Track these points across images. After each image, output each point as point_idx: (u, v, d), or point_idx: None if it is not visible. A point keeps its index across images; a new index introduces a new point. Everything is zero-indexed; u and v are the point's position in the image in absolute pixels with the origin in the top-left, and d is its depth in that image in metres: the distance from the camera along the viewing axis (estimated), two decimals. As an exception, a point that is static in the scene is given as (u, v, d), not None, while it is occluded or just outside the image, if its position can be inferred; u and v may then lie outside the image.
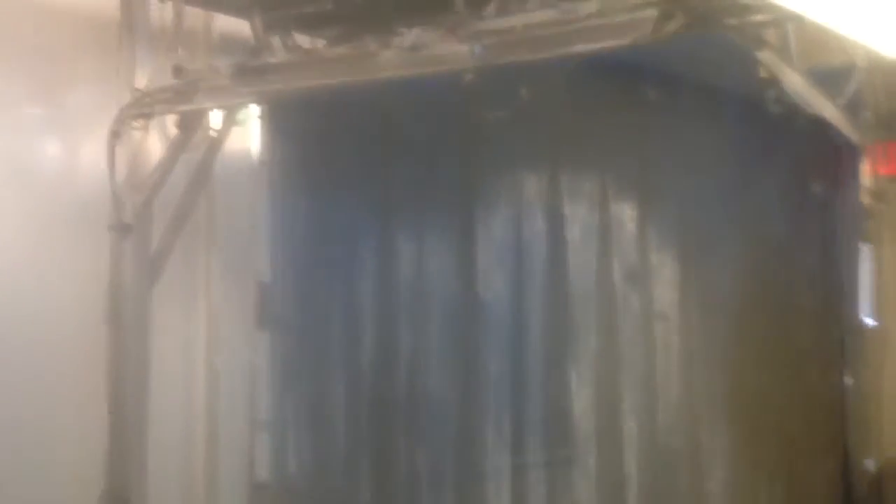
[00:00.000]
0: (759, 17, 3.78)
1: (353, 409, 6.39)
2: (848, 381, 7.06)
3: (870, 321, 6.61)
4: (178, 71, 5.25)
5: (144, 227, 5.55)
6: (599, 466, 6.32)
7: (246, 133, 6.26)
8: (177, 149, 5.54)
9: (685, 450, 6.61)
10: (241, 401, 6.35)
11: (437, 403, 6.27)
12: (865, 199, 3.86)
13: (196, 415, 6.24)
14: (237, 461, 6.28)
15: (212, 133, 5.82)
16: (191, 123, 5.52)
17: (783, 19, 3.80)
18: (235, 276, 6.31)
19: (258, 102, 5.76)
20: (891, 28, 3.44)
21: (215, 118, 5.80)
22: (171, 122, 5.58)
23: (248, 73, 5.07)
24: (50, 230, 5.42)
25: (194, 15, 5.77)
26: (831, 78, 4.06)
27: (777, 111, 4.16)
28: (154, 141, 5.58)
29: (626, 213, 6.29)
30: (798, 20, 3.68)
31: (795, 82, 4.01)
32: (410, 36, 4.53)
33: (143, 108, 5.37)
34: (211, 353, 6.26)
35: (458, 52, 4.39)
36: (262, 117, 6.21)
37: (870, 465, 6.07)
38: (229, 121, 5.81)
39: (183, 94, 5.29)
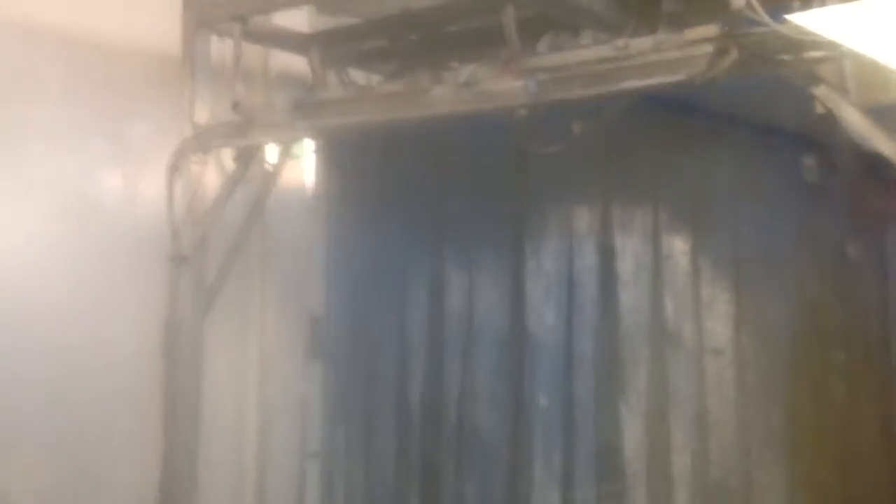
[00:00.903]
0: (814, 54, 3.76)
1: (402, 443, 6.39)
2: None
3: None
4: (236, 106, 5.33)
5: (201, 259, 5.62)
6: (650, 501, 6.25)
7: (301, 167, 6.35)
8: (233, 182, 5.62)
9: (738, 487, 6.52)
10: (292, 432, 6.38)
11: (486, 437, 6.26)
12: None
13: (247, 446, 6.26)
14: (287, 493, 6.30)
15: (268, 167, 5.90)
16: (247, 157, 5.60)
17: (839, 56, 3.78)
18: (288, 308, 6.36)
19: (313, 137, 5.85)
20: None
21: (271, 152, 5.88)
22: (228, 155, 5.67)
23: (304, 108, 5.14)
24: (109, 260, 5.50)
25: (253, 51, 5.87)
26: (889, 114, 4.02)
27: (834, 148, 4.13)
28: (211, 174, 5.67)
29: (678, 247, 6.27)
30: (853, 56, 3.66)
31: (852, 118, 3.96)
32: (464, 72, 4.55)
33: (201, 142, 5.46)
34: (263, 384, 6.29)
35: (511, 88, 4.40)
36: (317, 152, 6.31)
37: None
38: (285, 155, 5.89)
39: (240, 128, 5.37)
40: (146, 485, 5.48)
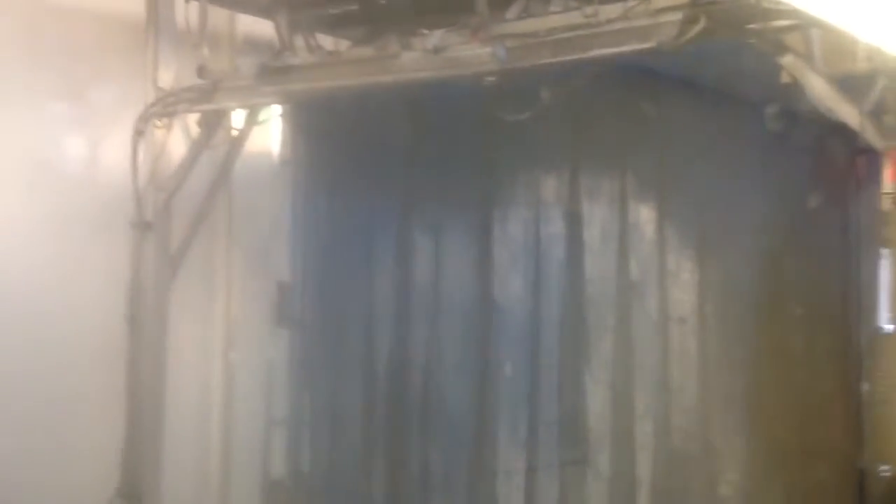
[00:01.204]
0: (781, 23, 3.79)
1: (368, 408, 6.41)
2: (865, 386, 7.06)
3: (888, 327, 6.61)
4: (201, 70, 5.27)
5: (165, 225, 5.58)
6: (613, 467, 6.33)
7: (268, 133, 6.29)
8: (199, 148, 5.57)
9: (699, 453, 6.62)
10: (258, 398, 6.38)
11: (451, 403, 6.29)
12: (886, 205, 3.85)
13: (212, 411, 6.26)
14: (252, 458, 6.31)
15: (234, 132, 5.84)
16: (213, 123, 5.55)
17: (806, 25, 3.81)
18: (254, 274, 6.33)
19: (280, 102, 5.79)
20: (914, 35, 3.46)
21: (237, 118, 5.82)
22: (193, 121, 5.61)
23: (271, 73, 5.09)
24: (72, 226, 5.45)
25: (219, 15, 5.79)
26: (854, 84, 4.06)
27: (798, 116, 4.17)
28: (177, 139, 5.61)
29: (644, 216, 6.31)
30: (820, 26, 3.69)
31: (818, 87, 4.00)
32: (433, 38, 4.53)
33: (166, 107, 5.40)
34: (228, 350, 6.28)
35: (480, 54, 4.39)
36: (283, 117, 6.26)
37: (885, 470, 6.07)
38: (251, 120, 5.83)
39: (206, 93, 5.31)
40: (110, 450, 5.47)
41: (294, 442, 6.41)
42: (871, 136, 3.90)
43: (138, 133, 5.41)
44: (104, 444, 5.47)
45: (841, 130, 4.07)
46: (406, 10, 5.02)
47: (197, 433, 6.17)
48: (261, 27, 5.78)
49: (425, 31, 4.78)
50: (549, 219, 6.15)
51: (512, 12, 4.56)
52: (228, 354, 6.26)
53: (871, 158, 6.45)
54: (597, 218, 6.17)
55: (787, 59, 4.04)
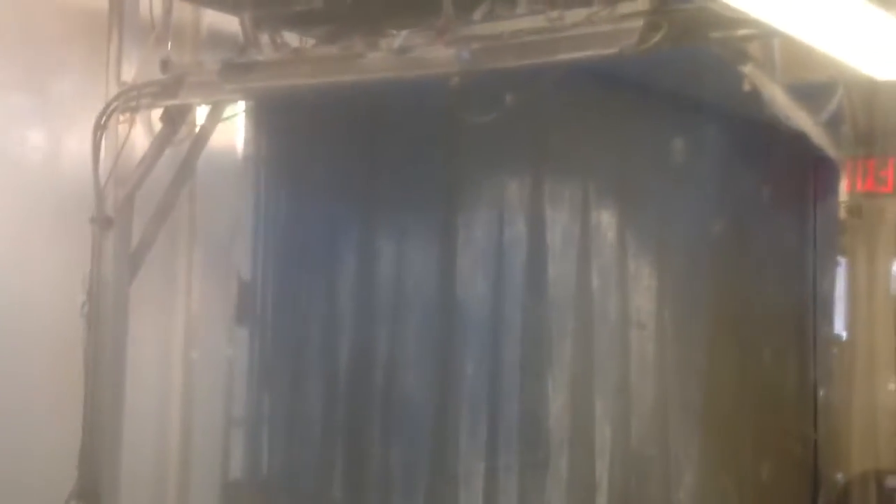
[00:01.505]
0: (743, 32, 3.83)
1: (328, 409, 6.40)
2: (820, 393, 7.14)
3: (843, 334, 6.69)
4: (165, 65, 5.23)
5: (126, 221, 5.52)
6: (571, 471, 6.36)
7: (231, 129, 6.26)
8: (161, 143, 5.53)
9: (656, 456, 6.67)
10: (217, 397, 6.34)
11: (412, 405, 6.30)
12: (842, 214, 3.91)
13: (171, 410, 6.21)
14: (211, 458, 6.26)
15: (197, 128, 5.81)
16: (176, 118, 5.50)
17: (767, 35, 3.85)
18: (216, 272, 6.29)
19: (244, 99, 5.77)
20: (870, 47, 3.51)
21: (201, 114, 5.79)
22: (156, 116, 5.57)
23: (235, 69, 5.06)
24: (30, 220, 5.39)
25: (183, 9, 5.76)
26: (812, 94, 4.12)
27: (758, 125, 4.21)
28: (139, 134, 5.56)
29: (605, 221, 6.35)
30: (781, 36, 3.74)
31: (777, 97, 4.05)
32: (398, 38, 4.54)
33: (128, 101, 5.35)
34: (188, 348, 6.24)
35: (445, 55, 4.40)
36: (247, 114, 6.23)
37: (839, 478, 6.14)
38: (215, 117, 5.80)
39: (169, 88, 5.28)
40: (68, 449, 5.41)
41: (253, 442, 6.37)
42: (828, 145, 3.96)
43: (100, 127, 5.36)
44: (61, 443, 5.40)
45: (800, 139, 4.12)
46: (372, 10, 5.02)
47: (156, 432, 6.12)
48: (225, 22, 5.75)
49: (391, 32, 4.79)
50: (512, 222, 6.17)
51: (477, 14, 4.58)
52: (188, 353, 6.22)
53: (829, 167, 6.53)
54: (559, 222, 6.21)
55: (748, 68, 4.09)
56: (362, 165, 6.22)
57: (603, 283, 6.33)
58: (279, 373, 6.40)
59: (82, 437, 5.44)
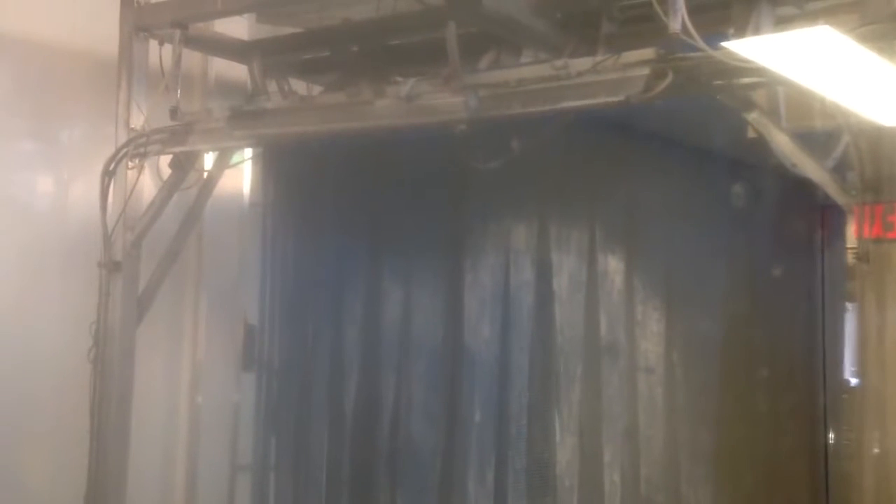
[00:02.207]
0: (748, 80, 3.84)
1: (334, 455, 6.36)
2: (830, 439, 7.08)
3: (853, 380, 6.64)
4: (174, 112, 5.28)
5: (133, 266, 5.55)
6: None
7: (238, 176, 6.30)
8: (170, 189, 5.56)
9: (667, 502, 6.60)
10: (223, 443, 6.31)
11: (419, 450, 6.25)
12: (850, 260, 3.90)
13: (177, 456, 6.18)
14: (217, 503, 6.23)
15: (205, 175, 5.84)
16: (184, 164, 5.55)
17: (772, 83, 3.86)
18: (222, 316, 6.30)
19: (252, 146, 5.82)
20: (875, 94, 3.52)
21: (209, 160, 5.83)
22: (164, 162, 5.61)
23: (244, 116, 5.10)
24: (40, 265, 5.42)
25: (192, 57, 5.82)
26: (818, 141, 4.12)
27: (765, 171, 4.22)
28: (147, 180, 5.60)
29: (613, 266, 6.34)
30: (786, 84, 3.75)
31: (783, 144, 4.07)
32: (406, 86, 4.56)
33: (137, 147, 5.39)
34: (194, 393, 6.22)
35: (452, 103, 4.42)
36: (254, 161, 6.27)
37: (851, 524, 6.06)
38: (222, 163, 5.84)
39: (178, 135, 5.32)
40: (74, 494, 5.38)
41: (259, 488, 6.34)
42: (835, 192, 3.95)
43: (109, 173, 5.40)
44: (67, 487, 5.39)
45: (807, 186, 4.12)
46: (380, 59, 5.06)
47: (161, 477, 6.10)
48: (234, 70, 5.81)
49: (398, 79, 4.82)
50: (519, 267, 6.16)
51: (483, 63, 4.61)
52: (194, 398, 6.21)
53: (836, 213, 6.51)
54: (566, 267, 6.19)
55: (753, 115, 4.10)
56: (369, 211, 6.24)
57: (611, 328, 6.30)
58: (285, 419, 6.37)
59: (88, 480, 5.42)
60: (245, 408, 6.35)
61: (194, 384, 6.20)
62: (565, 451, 6.24)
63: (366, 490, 6.27)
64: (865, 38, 3.24)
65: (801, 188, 4.53)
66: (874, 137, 3.83)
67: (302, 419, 6.37)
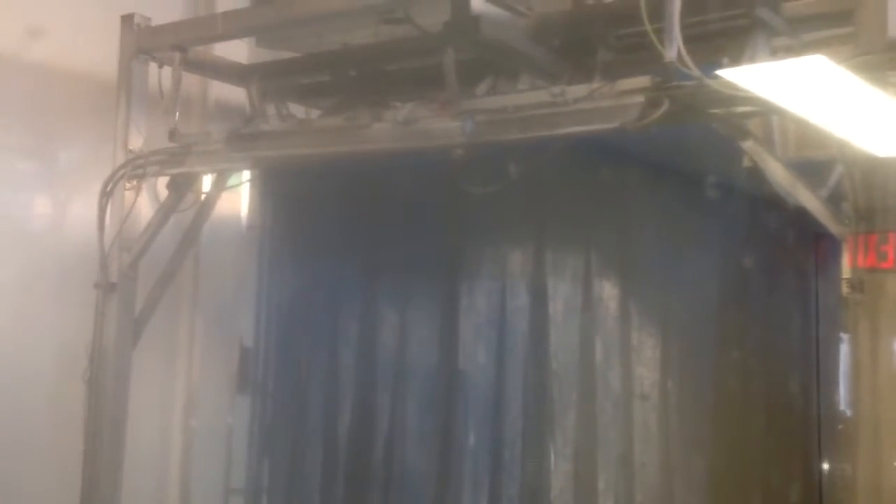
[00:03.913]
0: (743, 109, 3.86)
1: (328, 478, 6.34)
2: (825, 469, 7.05)
3: (847, 410, 6.62)
4: (173, 134, 5.30)
5: (129, 287, 5.55)
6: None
7: (236, 198, 6.32)
8: (167, 210, 5.58)
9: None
10: (217, 466, 6.29)
11: (413, 473, 6.24)
12: (844, 290, 3.91)
13: (170, 478, 6.17)
14: (209, 526, 6.21)
15: (202, 196, 5.86)
16: (182, 186, 5.56)
17: (767, 112, 3.89)
18: (218, 339, 6.29)
19: (250, 168, 5.83)
20: (870, 125, 3.54)
21: (206, 182, 5.84)
22: (162, 183, 5.62)
23: (241, 139, 5.12)
24: (36, 285, 5.43)
25: (191, 80, 5.85)
26: (813, 170, 4.14)
27: (759, 200, 4.22)
28: (144, 202, 5.61)
29: (608, 292, 6.34)
30: (781, 113, 3.77)
31: (778, 172, 4.07)
32: (403, 110, 4.59)
33: (136, 168, 5.41)
34: (188, 415, 6.21)
35: (449, 128, 4.45)
36: (252, 183, 6.29)
37: (846, 555, 6.04)
38: (220, 185, 5.85)
39: (176, 157, 5.34)
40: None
41: (252, 511, 6.31)
42: (829, 221, 3.96)
43: (106, 194, 5.41)
44: (59, 507, 5.37)
45: (801, 215, 4.13)
46: (376, 83, 5.09)
47: (154, 499, 6.07)
48: (233, 94, 5.84)
49: (395, 104, 4.85)
50: (514, 292, 6.17)
51: (481, 89, 4.64)
52: (188, 419, 6.19)
53: (830, 243, 6.49)
54: (561, 293, 6.20)
55: (748, 144, 4.12)
56: (365, 235, 6.25)
57: (605, 354, 6.29)
58: (279, 441, 6.36)
59: (81, 501, 5.40)
60: (239, 430, 6.33)
61: (189, 406, 6.19)
62: (559, 478, 6.22)
63: (359, 514, 6.25)
64: (860, 69, 3.26)
65: (795, 217, 4.53)
66: (868, 167, 3.85)
67: (296, 442, 6.35)
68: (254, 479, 6.29)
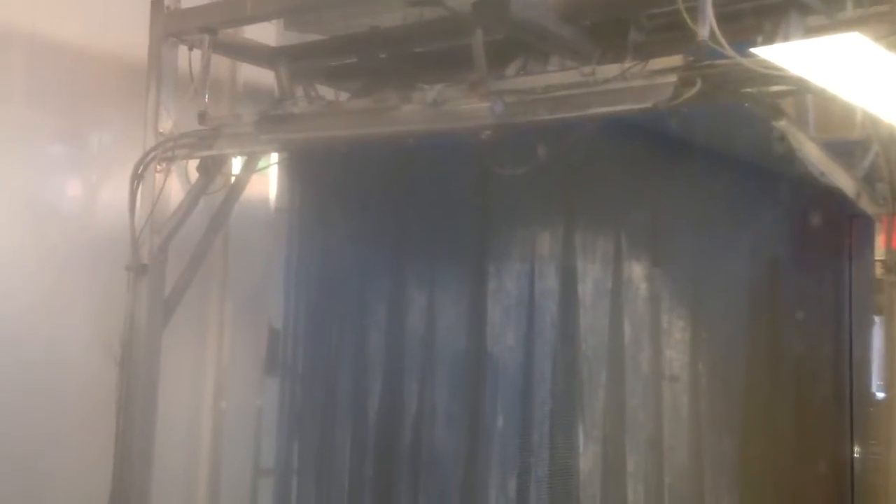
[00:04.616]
0: (776, 88, 3.82)
1: (357, 460, 6.36)
2: (857, 452, 7.00)
3: (880, 393, 6.57)
4: (202, 117, 5.32)
5: (160, 269, 5.59)
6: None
7: (265, 181, 6.34)
8: (197, 193, 5.60)
9: (691, 514, 6.55)
10: (247, 447, 6.34)
11: (442, 457, 6.23)
12: (878, 272, 3.86)
13: (200, 458, 6.22)
14: (240, 506, 6.27)
15: (232, 179, 5.88)
16: (211, 169, 5.59)
17: (801, 91, 3.84)
18: (247, 320, 6.33)
19: (279, 150, 5.84)
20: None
21: (236, 165, 5.87)
22: (192, 166, 5.65)
23: (271, 121, 5.13)
24: (68, 267, 5.47)
25: (221, 63, 5.87)
26: (847, 150, 4.09)
27: (793, 180, 4.18)
28: (174, 184, 5.65)
29: (637, 273, 6.29)
30: (815, 92, 3.72)
31: (812, 152, 4.02)
32: (432, 92, 4.57)
33: (166, 151, 5.44)
34: (218, 397, 6.26)
35: (478, 109, 4.43)
36: (281, 165, 6.30)
37: (877, 538, 6.00)
38: (250, 167, 5.87)
39: (206, 139, 5.36)
40: (98, 494, 5.42)
41: (282, 491, 6.34)
42: (865, 202, 3.91)
43: (137, 177, 5.45)
44: (92, 487, 5.43)
45: (835, 195, 4.07)
46: (406, 65, 5.08)
47: (184, 479, 6.14)
48: (262, 76, 5.86)
49: (424, 86, 4.84)
50: (544, 274, 6.13)
51: (510, 69, 4.61)
52: (218, 401, 6.24)
53: (864, 224, 6.43)
54: (590, 274, 6.15)
55: (782, 124, 4.07)
56: (394, 217, 6.24)
57: (635, 336, 6.25)
58: (308, 423, 6.38)
59: (112, 482, 5.46)
60: (268, 412, 6.37)
61: (218, 387, 6.24)
62: (588, 460, 6.20)
63: (388, 495, 6.26)
64: (896, 47, 3.21)
65: (829, 198, 4.47)
66: (904, 147, 3.80)
67: (325, 424, 6.37)
68: (283, 459, 6.32)
